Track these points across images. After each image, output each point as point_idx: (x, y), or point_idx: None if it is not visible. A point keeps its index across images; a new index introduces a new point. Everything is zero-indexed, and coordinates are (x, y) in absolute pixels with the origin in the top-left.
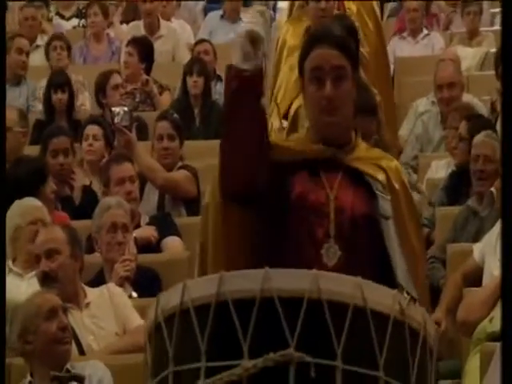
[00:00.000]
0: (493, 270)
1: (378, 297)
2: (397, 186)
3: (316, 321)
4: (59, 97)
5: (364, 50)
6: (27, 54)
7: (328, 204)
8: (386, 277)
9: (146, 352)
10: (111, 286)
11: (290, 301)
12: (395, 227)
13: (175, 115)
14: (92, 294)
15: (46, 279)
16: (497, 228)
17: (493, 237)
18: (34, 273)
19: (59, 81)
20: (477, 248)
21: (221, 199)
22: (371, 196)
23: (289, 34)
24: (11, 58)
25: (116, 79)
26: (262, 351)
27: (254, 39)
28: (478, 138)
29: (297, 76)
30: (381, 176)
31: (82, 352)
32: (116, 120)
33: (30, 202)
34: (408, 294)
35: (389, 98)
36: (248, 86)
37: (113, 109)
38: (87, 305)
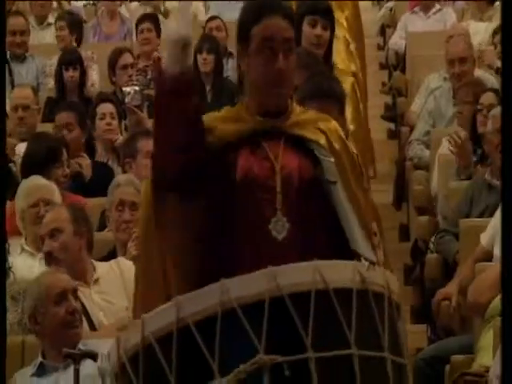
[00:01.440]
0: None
1: (338, 273)
2: (337, 146)
3: (282, 318)
4: (70, 74)
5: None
6: (28, 33)
7: (274, 176)
8: (342, 242)
9: None
10: (121, 261)
11: (253, 306)
12: (342, 187)
13: None
14: (101, 268)
15: (50, 259)
16: None
17: (498, 220)
18: None
19: (70, 58)
20: (484, 234)
21: (154, 193)
22: (315, 161)
23: None
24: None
25: (126, 59)
26: (232, 364)
27: (183, 44)
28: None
29: None
30: (322, 139)
31: (93, 328)
32: (127, 100)
33: (34, 181)
34: (366, 259)
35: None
36: (177, 87)
37: (124, 88)
38: (96, 281)
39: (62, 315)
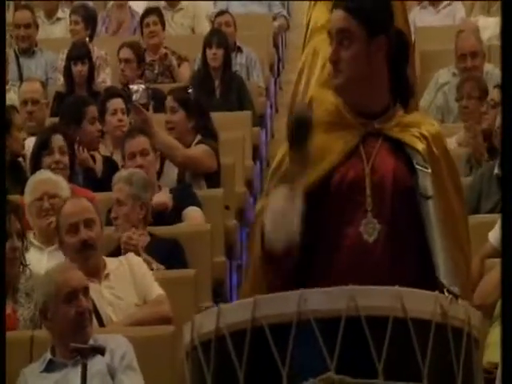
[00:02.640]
0: None
1: (419, 303)
2: (437, 152)
3: (355, 339)
4: (79, 69)
5: None
6: (35, 27)
7: (364, 178)
8: (427, 261)
9: (185, 370)
10: (130, 256)
11: (328, 322)
12: (436, 202)
13: (190, 90)
14: (111, 264)
15: (85, 247)
16: None
17: None
18: (54, 246)
19: (79, 53)
20: (492, 232)
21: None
22: (411, 169)
23: (315, 9)
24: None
25: (125, 53)
26: (302, 375)
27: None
28: None
29: (323, 62)
30: (421, 145)
31: (101, 324)
32: (134, 98)
33: (39, 175)
34: (449, 292)
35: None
36: (278, 260)
37: (131, 86)
38: (106, 276)
39: (71, 315)
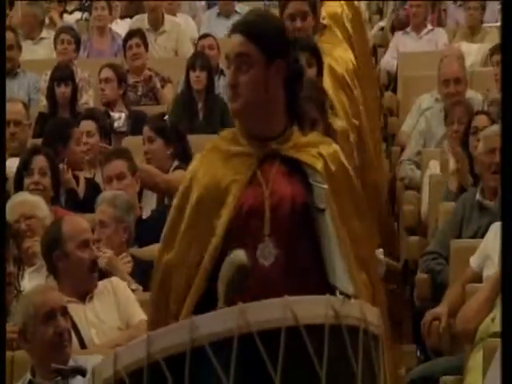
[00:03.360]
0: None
1: (310, 309)
2: (334, 168)
3: (250, 355)
4: (62, 90)
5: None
6: (18, 48)
7: (263, 203)
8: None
9: None
10: (115, 280)
11: (222, 343)
12: (331, 216)
13: (166, 117)
14: (98, 286)
15: (95, 266)
16: (491, 234)
17: (488, 243)
18: (34, 267)
19: (62, 74)
20: (474, 257)
21: None
22: (307, 186)
23: None
24: None
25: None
26: None
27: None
28: (492, 130)
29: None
30: (319, 164)
31: (83, 346)
32: (116, 125)
33: (17, 198)
34: (341, 293)
35: (375, 99)
36: None
37: (112, 114)
38: (91, 298)
39: (49, 335)
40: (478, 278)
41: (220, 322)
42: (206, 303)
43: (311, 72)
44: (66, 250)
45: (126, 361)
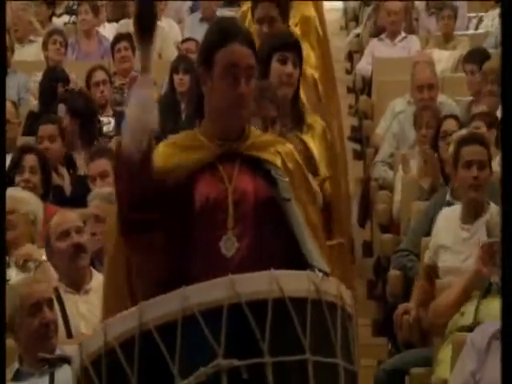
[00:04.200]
0: (450, 264)
1: (294, 283)
2: (291, 166)
3: (239, 324)
4: (59, 90)
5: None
6: (11, 49)
7: (227, 198)
8: (296, 257)
9: None
10: None
11: (212, 312)
12: (296, 206)
13: None
14: (96, 280)
15: (77, 250)
16: (439, 222)
17: (439, 232)
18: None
19: (59, 75)
20: (426, 252)
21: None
22: (271, 181)
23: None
24: None
25: (98, 76)
26: (192, 368)
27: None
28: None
29: None
30: (278, 161)
31: (69, 335)
32: (105, 129)
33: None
34: (320, 270)
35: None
36: (133, 168)
37: (101, 118)
38: (87, 291)
39: (35, 327)
40: (432, 269)
41: (210, 292)
42: None
43: (296, 73)
44: (51, 245)
45: (117, 331)
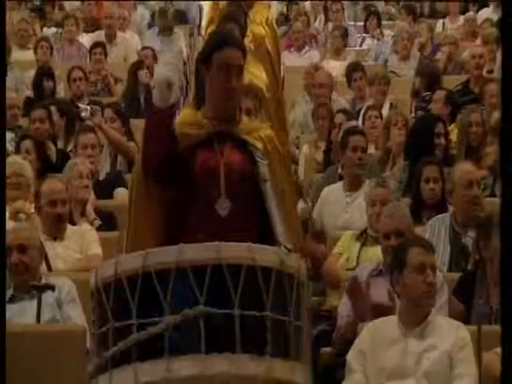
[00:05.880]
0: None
1: (265, 255)
2: (270, 148)
3: (219, 281)
4: (48, 84)
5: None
6: (9, 52)
7: (219, 168)
8: (268, 230)
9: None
10: (84, 225)
11: (200, 268)
12: (272, 187)
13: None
14: (70, 230)
15: (60, 218)
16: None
17: (331, 194)
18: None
19: (48, 71)
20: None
21: (143, 177)
22: (253, 161)
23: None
24: None
25: (77, 74)
26: (179, 308)
27: (168, 84)
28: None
29: None
30: (259, 144)
31: (49, 269)
32: (83, 114)
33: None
34: (285, 247)
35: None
36: (161, 119)
37: (80, 105)
38: (62, 238)
39: (10, 265)
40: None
41: (201, 252)
42: None
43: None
44: (41, 205)
45: (125, 266)
